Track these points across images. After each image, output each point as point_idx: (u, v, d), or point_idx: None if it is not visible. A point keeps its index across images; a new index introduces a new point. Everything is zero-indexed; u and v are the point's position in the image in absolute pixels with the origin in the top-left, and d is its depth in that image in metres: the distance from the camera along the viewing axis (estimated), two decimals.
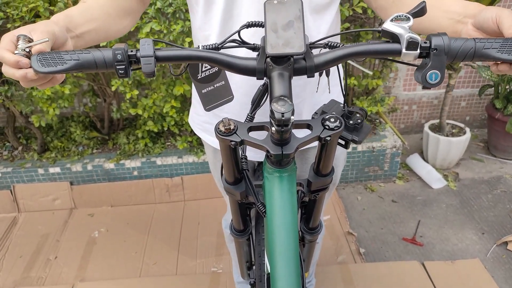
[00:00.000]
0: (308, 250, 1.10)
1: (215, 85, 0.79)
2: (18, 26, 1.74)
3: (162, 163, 2.26)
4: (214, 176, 1.26)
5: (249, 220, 1.05)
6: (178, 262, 1.92)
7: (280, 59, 0.64)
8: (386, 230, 2.06)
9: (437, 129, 2.41)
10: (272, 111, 0.61)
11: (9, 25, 1.67)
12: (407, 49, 0.63)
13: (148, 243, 2.04)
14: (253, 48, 0.72)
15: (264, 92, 0.78)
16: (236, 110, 0.96)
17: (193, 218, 2.19)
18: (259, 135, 0.68)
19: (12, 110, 2.19)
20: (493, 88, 2.41)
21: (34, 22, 1.67)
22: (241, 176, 0.83)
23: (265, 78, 0.68)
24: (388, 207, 2.21)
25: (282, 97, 0.62)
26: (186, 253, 1.97)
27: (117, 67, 0.62)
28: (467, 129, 2.37)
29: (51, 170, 2.26)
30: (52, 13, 1.66)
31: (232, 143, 0.69)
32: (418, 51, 0.63)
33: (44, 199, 2.31)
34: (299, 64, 0.66)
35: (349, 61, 1.86)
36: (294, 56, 0.65)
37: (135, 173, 2.27)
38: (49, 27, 0.67)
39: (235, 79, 0.93)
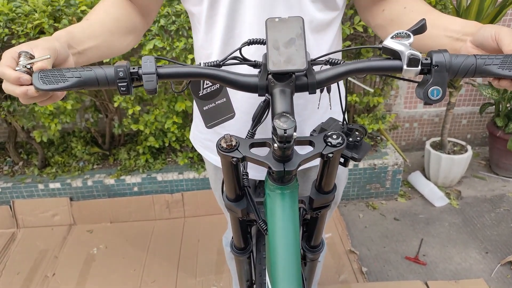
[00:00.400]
0: (309, 269, 1.08)
1: (217, 102, 0.79)
2: (23, 42, 1.76)
3: (163, 179, 2.25)
4: (215, 193, 1.25)
5: (250, 238, 1.04)
6: (177, 280, 1.89)
7: (282, 76, 0.65)
8: (389, 249, 2.03)
9: (439, 146, 2.41)
10: (274, 128, 0.61)
11: (14, 41, 1.69)
12: (408, 65, 0.64)
13: (148, 261, 2.01)
14: (255, 65, 0.72)
15: (265, 108, 0.78)
16: (237, 127, 0.96)
17: (193, 235, 2.17)
18: (260, 152, 0.68)
19: (14, 125, 2.19)
20: (494, 106, 2.41)
21: (39, 38, 1.69)
22: (242, 193, 0.83)
23: (266, 94, 0.68)
24: (390, 225, 2.19)
25: (284, 114, 0.62)
26: (185, 270, 1.94)
27: (119, 84, 0.62)
28: (469, 147, 2.36)
29: (51, 185, 2.25)
30: (56, 29, 1.68)
31: (234, 159, 0.68)
32: (419, 67, 0.64)
33: (44, 215, 2.30)
34: (301, 81, 0.66)
35: (350, 78, 1.87)
36: (296, 73, 0.65)
37: (136, 189, 2.26)
38: (51, 43, 0.67)
39: (236, 97, 0.93)
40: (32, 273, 1.98)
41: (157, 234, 2.19)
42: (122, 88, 0.62)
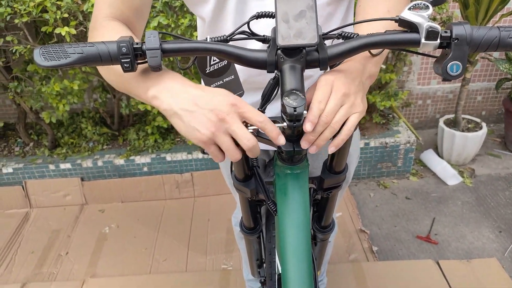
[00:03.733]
0: (320, 249, 1.07)
1: (225, 80, 0.76)
2: (26, 22, 1.73)
3: (172, 159, 2.24)
4: (223, 173, 1.23)
5: (259, 218, 1.02)
6: (188, 259, 1.91)
7: (291, 51, 0.61)
8: (400, 228, 2.02)
9: (452, 124, 2.35)
10: (283, 106, 0.58)
11: (16, 21, 1.67)
12: (426, 39, 0.60)
13: (158, 240, 2.03)
14: (263, 40, 0.68)
15: (275, 85, 0.75)
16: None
17: (203, 215, 2.18)
18: None
19: (22, 106, 2.19)
20: (510, 82, 2.33)
21: (41, 17, 1.66)
22: (251, 173, 0.81)
23: (275, 71, 0.65)
24: (402, 204, 2.17)
25: (294, 91, 0.59)
26: (196, 249, 1.96)
27: (122, 60, 0.60)
28: (484, 124, 2.30)
29: (62, 166, 2.27)
30: (59, 8, 1.65)
31: None
32: (438, 41, 0.60)
33: (55, 195, 2.32)
34: (312, 56, 0.62)
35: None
36: (307, 48, 0.62)
37: (145, 169, 2.27)
38: None
39: (244, 74, 0.90)
40: (46, 252, 2.01)
41: (168, 214, 2.20)
42: (125, 65, 0.60)
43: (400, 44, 0.62)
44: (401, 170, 2.32)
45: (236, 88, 0.77)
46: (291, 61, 0.62)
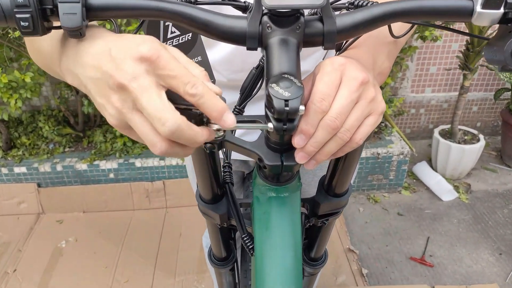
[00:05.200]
0: (307, 285, 0.86)
1: None
2: None
3: (142, 165, 2.01)
4: (192, 184, 1.02)
5: (233, 245, 0.81)
6: (154, 280, 1.67)
7: (283, 18, 0.41)
8: (392, 248, 1.83)
9: (448, 135, 2.19)
10: (269, 97, 0.38)
11: None
12: (483, 7, 0.40)
13: (122, 257, 1.79)
14: (244, 7, 0.47)
15: (259, 75, 0.55)
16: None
17: (174, 228, 1.95)
18: (249, 137, 0.44)
19: None
20: (510, 92, 2.19)
21: None
22: (222, 192, 0.60)
23: (260, 48, 0.44)
24: (394, 221, 1.98)
25: (285, 76, 0.39)
26: (164, 269, 1.72)
27: (17, 16, 0.38)
28: (481, 136, 2.15)
29: (17, 169, 2.01)
30: None
31: (208, 145, 0.45)
32: (502, 10, 0.40)
33: (8, 202, 2.06)
34: (313, 28, 0.42)
35: None
36: (306, 16, 0.42)
37: (111, 175, 2.02)
38: None
39: (216, 56, 0.69)
40: None
41: (135, 227, 1.96)
42: (22, 23, 0.38)
43: (442, 14, 0.42)
44: (393, 184, 2.15)
45: None
46: (282, 32, 0.41)
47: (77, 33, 0.40)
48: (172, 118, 0.34)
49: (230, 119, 0.36)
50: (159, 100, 0.34)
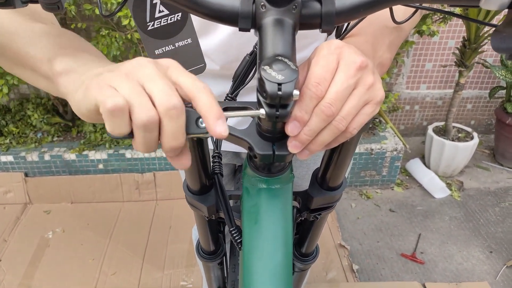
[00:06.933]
0: (297, 280, 0.84)
1: (177, 45, 0.52)
2: None
3: (132, 156, 1.97)
4: (181, 175, 0.99)
5: (222, 238, 0.78)
6: (142, 273, 1.64)
7: None
8: (383, 244, 1.82)
9: (442, 132, 2.18)
10: (261, 80, 0.35)
11: None
12: None
13: (109, 249, 1.76)
14: None
15: (253, 63, 0.52)
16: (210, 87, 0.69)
17: (164, 221, 1.92)
18: (240, 124, 0.41)
19: None
20: (505, 90, 2.19)
21: None
22: (211, 183, 0.57)
23: (253, 30, 0.41)
24: (385, 217, 1.97)
25: (279, 58, 0.36)
26: (152, 262, 1.69)
27: None
28: (475, 134, 2.14)
29: (3, 158, 1.96)
30: None
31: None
32: None
33: None
34: (310, 9, 0.39)
35: None
36: None
37: (100, 166, 1.98)
38: None
39: (211, 44, 0.66)
40: None
41: (123, 219, 1.93)
42: None
43: None
44: (386, 180, 2.13)
45: (194, 58, 0.53)
46: (277, 12, 0.39)
47: (54, 6, 0.37)
48: (177, 97, 0.34)
49: (222, 130, 0.34)
50: (167, 83, 0.35)
